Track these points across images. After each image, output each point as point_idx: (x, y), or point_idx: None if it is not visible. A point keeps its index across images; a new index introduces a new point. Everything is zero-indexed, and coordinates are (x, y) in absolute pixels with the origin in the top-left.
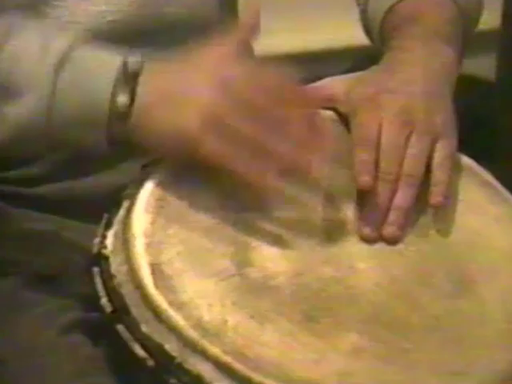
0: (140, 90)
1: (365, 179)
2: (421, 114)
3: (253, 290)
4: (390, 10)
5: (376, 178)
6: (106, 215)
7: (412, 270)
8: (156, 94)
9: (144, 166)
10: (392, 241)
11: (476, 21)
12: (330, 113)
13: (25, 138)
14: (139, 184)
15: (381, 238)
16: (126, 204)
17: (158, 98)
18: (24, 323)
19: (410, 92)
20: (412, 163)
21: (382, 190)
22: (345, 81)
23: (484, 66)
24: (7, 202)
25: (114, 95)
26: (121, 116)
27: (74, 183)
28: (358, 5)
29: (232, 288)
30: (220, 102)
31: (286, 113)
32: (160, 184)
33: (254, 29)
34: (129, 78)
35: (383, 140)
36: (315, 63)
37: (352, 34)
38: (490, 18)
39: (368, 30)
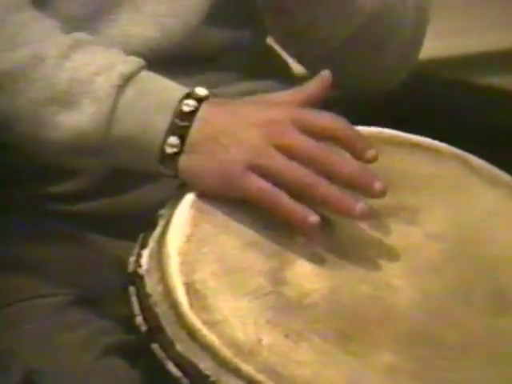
0: (195, 125)
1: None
2: None
3: (287, 309)
4: None
5: None
6: (141, 234)
7: (450, 287)
8: (209, 129)
9: (181, 185)
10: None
11: None
12: None
13: (79, 149)
14: (175, 203)
15: (417, 255)
16: (161, 223)
17: (210, 133)
18: (64, 345)
19: None
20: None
21: None
22: None
23: None
24: (49, 220)
25: (170, 127)
26: (173, 147)
27: (115, 200)
28: None
29: (267, 306)
30: (267, 144)
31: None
32: (196, 202)
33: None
34: (187, 113)
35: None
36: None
37: None
38: None
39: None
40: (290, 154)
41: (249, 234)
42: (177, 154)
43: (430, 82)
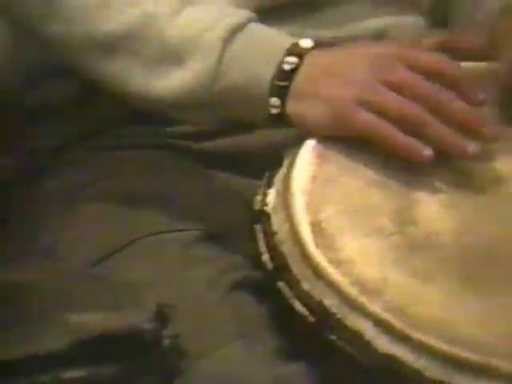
0: (301, 70)
1: None
2: None
3: (414, 249)
4: None
5: None
6: (267, 173)
7: None
8: (313, 72)
9: None
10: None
11: None
12: None
13: (188, 104)
14: (299, 142)
15: None
16: (286, 162)
17: (317, 74)
18: (193, 280)
19: None
20: None
21: None
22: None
23: None
24: (176, 157)
25: (276, 75)
26: (280, 95)
27: (239, 139)
28: None
29: (392, 246)
30: (376, 80)
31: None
32: (320, 142)
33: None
34: (293, 62)
35: None
36: None
37: None
38: None
39: None
40: (399, 90)
41: (372, 174)
42: (285, 92)
43: None
